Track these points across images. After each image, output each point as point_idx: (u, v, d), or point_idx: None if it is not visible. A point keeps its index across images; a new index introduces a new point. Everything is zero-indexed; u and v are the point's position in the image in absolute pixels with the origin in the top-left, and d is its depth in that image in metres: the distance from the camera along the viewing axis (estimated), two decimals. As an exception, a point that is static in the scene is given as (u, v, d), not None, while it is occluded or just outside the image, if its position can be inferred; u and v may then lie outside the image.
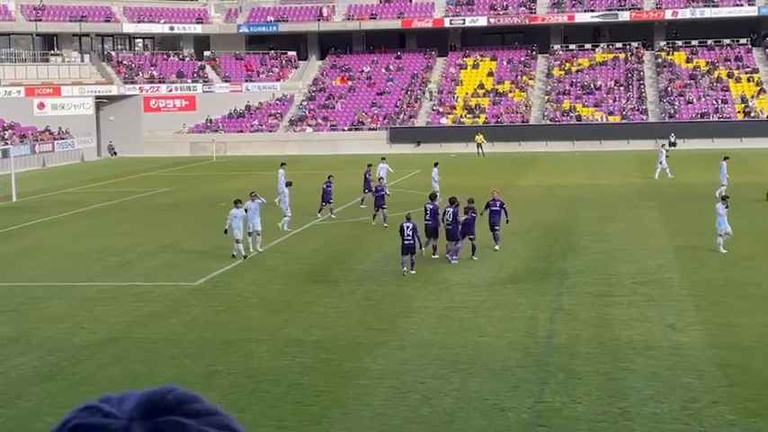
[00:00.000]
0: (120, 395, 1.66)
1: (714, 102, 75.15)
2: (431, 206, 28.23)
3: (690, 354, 17.41)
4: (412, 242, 25.60)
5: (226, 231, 28.60)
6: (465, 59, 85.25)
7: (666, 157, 50.48)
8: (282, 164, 41.87)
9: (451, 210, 27.35)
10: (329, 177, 37.50)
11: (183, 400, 1.65)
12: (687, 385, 15.65)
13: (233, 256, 28.25)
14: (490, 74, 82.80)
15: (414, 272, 25.67)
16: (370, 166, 41.29)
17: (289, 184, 35.10)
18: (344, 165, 64.66)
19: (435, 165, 41.79)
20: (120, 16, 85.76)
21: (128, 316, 21.72)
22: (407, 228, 25.72)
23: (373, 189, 36.39)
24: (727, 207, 27.65)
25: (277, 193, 38.41)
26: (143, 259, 29.43)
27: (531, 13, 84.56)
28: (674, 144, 70.02)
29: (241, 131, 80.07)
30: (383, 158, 43.52)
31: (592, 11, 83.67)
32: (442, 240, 27.76)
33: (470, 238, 27.44)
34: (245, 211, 28.73)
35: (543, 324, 19.93)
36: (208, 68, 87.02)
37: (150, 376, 16.98)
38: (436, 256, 27.79)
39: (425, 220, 27.90)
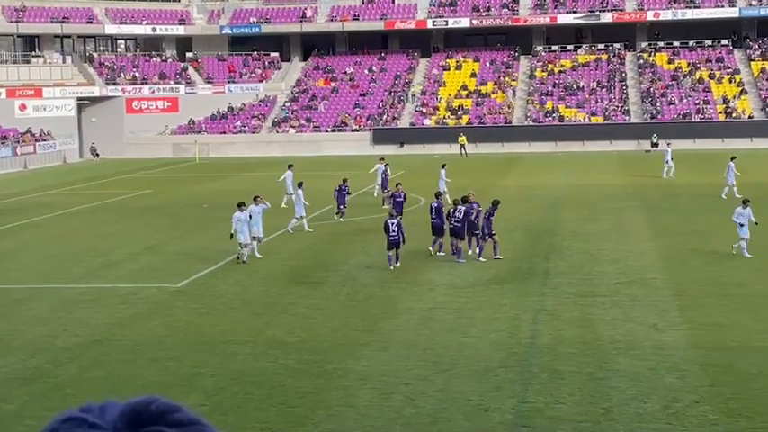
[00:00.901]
0: (101, 404, 1.65)
1: (696, 102, 75.50)
2: (436, 204, 28.61)
3: (672, 353, 17.48)
4: (397, 237, 26.48)
5: (231, 236, 27.74)
6: (448, 61, 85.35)
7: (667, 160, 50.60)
8: (290, 165, 41.82)
9: (463, 208, 27.56)
10: (344, 181, 37.07)
11: (165, 410, 1.65)
12: (670, 385, 15.70)
13: (244, 261, 27.61)
14: (473, 75, 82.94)
15: (398, 264, 26.53)
16: (382, 159, 41.48)
17: (300, 185, 34.48)
18: (328, 166, 64.64)
19: (443, 166, 41.60)
20: (102, 17, 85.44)
21: (110, 318, 21.64)
22: (392, 224, 26.64)
23: (390, 195, 36.07)
24: (746, 209, 27.44)
25: (285, 195, 38.54)
26: (126, 261, 29.33)
27: (514, 14, 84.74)
28: (655, 145, 70.32)
29: (224, 133, 79.91)
30: (381, 159, 43.39)
31: (574, 12, 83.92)
32: (445, 239, 28.23)
33: (491, 236, 27.61)
34: (249, 216, 28.02)
35: (526, 324, 19.96)
36: (190, 70, 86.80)
37: (133, 379, 16.92)
38: (442, 254, 28.02)
39: (431, 218, 28.34)
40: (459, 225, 27.40)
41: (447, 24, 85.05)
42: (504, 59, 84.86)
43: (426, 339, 19.00)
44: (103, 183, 56.32)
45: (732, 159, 41.22)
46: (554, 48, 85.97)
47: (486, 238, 27.60)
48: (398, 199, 33.61)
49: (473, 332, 19.48)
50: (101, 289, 24.93)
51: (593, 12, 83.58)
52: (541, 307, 21.54)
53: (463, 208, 27.50)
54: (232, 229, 27.71)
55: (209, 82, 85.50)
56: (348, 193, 36.74)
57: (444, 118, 77.67)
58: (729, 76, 78.57)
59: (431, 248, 28.20)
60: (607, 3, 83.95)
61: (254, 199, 29.33)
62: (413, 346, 18.53)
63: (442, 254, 28.09)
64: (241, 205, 27.94)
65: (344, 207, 36.22)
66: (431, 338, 19.06)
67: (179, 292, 24.35)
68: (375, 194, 42.58)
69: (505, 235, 31.13)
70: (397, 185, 34.85)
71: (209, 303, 22.92)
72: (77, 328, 20.79)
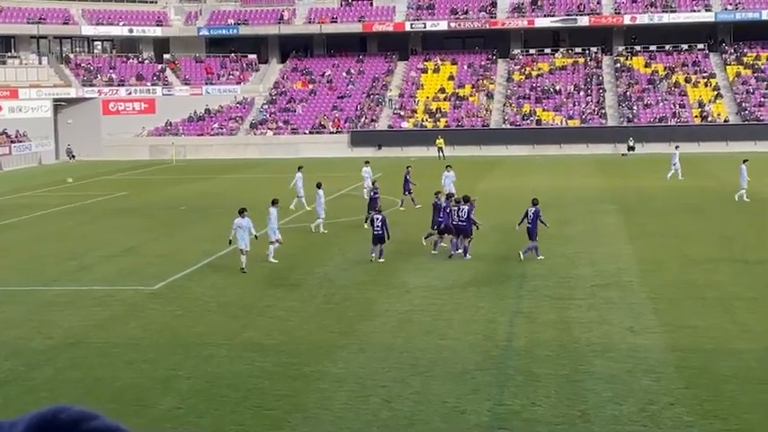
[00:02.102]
0: (12, 420, 1.59)
1: (672, 106, 75.92)
2: (439, 202, 29.55)
3: (648, 356, 17.55)
4: (381, 233, 27.75)
5: (230, 242, 27.21)
6: (426, 63, 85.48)
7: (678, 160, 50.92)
8: (300, 167, 41.97)
9: (466, 207, 28.23)
10: (374, 183, 37.50)
11: (79, 419, 1.58)
12: (645, 387, 15.76)
13: (242, 269, 26.62)
14: (451, 78, 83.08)
15: (382, 260, 27.54)
16: (409, 167, 41.36)
17: (319, 186, 34.37)
18: (306, 168, 64.51)
19: (448, 167, 41.79)
20: (79, 18, 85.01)
21: (86, 320, 21.50)
22: (377, 219, 28.00)
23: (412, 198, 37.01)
24: None
25: (295, 198, 38.88)
26: (102, 263, 29.16)
27: (492, 17, 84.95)
28: (632, 148, 70.67)
29: (201, 135, 79.67)
30: (409, 166, 42.55)
31: (551, 16, 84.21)
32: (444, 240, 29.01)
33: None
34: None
35: (503, 327, 19.99)
36: (167, 71, 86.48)
37: (108, 381, 16.83)
38: (435, 252, 28.73)
39: (439, 217, 29.03)
40: (464, 224, 28.06)
41: (425, 27, 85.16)
42: (482, 62, 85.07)
43: (403, 342, 18.99)
44: (80, 185, 55.99)
45: (744, 162, 40.97)
46: (532, 51, 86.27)
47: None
48: (375, 196, 34.29)
49: (450, 334, 19.48)
50: (76, 291, 24.78)
51: (570, 15, 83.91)
52: (518, 309, 21.58)
53: (466, 207, 28.21)
54: (231, 235, 27.00)
55: (186, 83, 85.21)
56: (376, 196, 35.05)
57: (422, 121, 77.75)
58: (705, 80, 79.08)
59: (434, 251, 28.72)
60: (584, 6, 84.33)
61: (273, 202, 28.99)
62: (390, 348, 18.52)
63: (435, 252, 28.69)
64: (243, 212, 27.13)
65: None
66: (408, 341, 19.05)
67: (155, 295, 24.24)
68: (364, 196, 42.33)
69: (482, 237, 31.20)
70: (373, 183, 36.46)
71: (185, 306, 22.83)
72: (52, 330, 20.65)
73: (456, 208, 28.51)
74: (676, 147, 53.65)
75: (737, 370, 16.55)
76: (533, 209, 27.91)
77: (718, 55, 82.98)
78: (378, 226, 27.82)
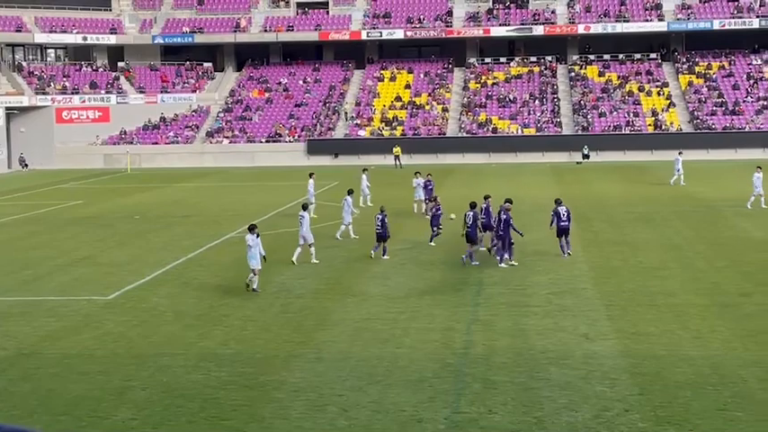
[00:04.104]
0: None
1: (626, 115, 76.72)
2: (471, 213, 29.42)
3: (603, 363, 17.70)
4: (381, 231, 29.33)
5: (265, 258, 25.37)
6: (382, 72, 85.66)
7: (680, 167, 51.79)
8: (311, 174, 42.07)
9: (471, 213, 28.57)
10: (428, 175, 38.78)
11: None
12: (600, 394, 15.90)
13: (253, 289, 24.84)
14: (407, 86, 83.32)
15: (387, 257, 29.25)
16: (429, 175, 41.12)
17: (350, 192, 34.45)
18: (262, 177, 64.41)
19: (416, 174, 41.88)
20: (32, 26, 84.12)
21: (39, 331, 21.26)
22: (378, 218, 29.50)
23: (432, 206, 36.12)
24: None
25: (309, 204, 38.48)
26: (56, 273, 28.86)
27: (448, 26, 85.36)
28: (587, 156, 71.30)
29: (156, 143, 79.15)
30: (417, 173, 41.98)
31: (507, 25, 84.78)
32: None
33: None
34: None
35: (460, 335, 20.06)
36: (122, 79, 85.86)
37: (62, 392, 16.65)
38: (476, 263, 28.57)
39: (467, 227, 28.62)
40: (470, 230, 28.38)
41: (381, 36, 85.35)
42: (438, 71, 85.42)
43: (360, 350, 19.00)
44: (33, 194, 55.37)
45: (758, 169, 40.88)
46: (487, 60, 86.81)
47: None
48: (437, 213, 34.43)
49: (407, 343, 19.52)
50: (29, 301, 24.49)
51: (525, 25, 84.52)
52: (475, 317, 21.67)
53: (471, 213, 28.57)
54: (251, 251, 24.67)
55: (141, 92, 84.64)
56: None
57: (379, 129, 77.86)
58: (658, 88, 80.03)
59: (463, 257, 28.48)
60: (539, 16, 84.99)
61: (304, 207, 28.45)
62: (347, 357, 18.52)
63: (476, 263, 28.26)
64: (253, 228, 25.06)
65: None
66: (365, 349, 19.06)
67: (110, 305, 24.03)
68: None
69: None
70: (435, 198, 35.37)
71: (140, 316, 22.65)
72: (5, 341, 20.39)
73: (464, 215, 28.83)
74: (680, 152, 54.37)
75: (690, 376, 16.75)
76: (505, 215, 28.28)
77: (670, 64, 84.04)
78: (378, 225, 29.34)
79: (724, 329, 20.00)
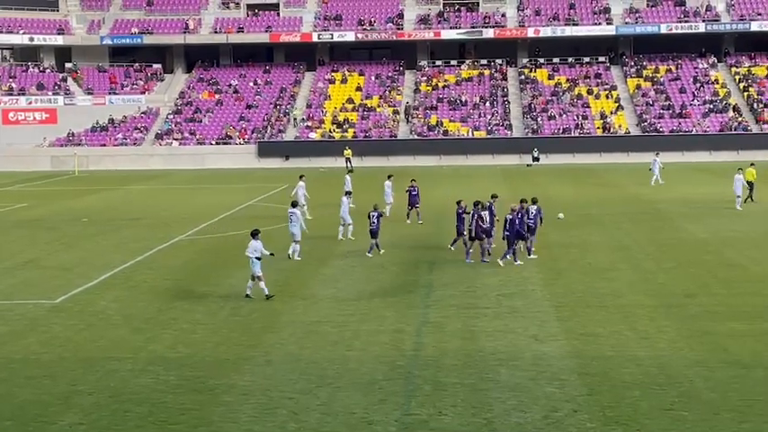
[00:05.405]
0: None
1: (575, 118, 77.39)
2: (510, 217, 28.91)
3: (552, 364, 17.82)
4: (375, 228, 30.29)
5: (272, 254, 24.87)
6: (333, 74, 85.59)
7: (661, 168, 53.20)
8: (301, 176, 41.78)
9: (472, 211, 29.05)
10: (412, 181, 38.68)
11: None
12: (549, 395, 16.00)
13: (267, 295, 23.95)
14: (358, 89, 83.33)
15: (381, 251, 30.28)
16: (413, 180, 40.08)
17: (348, 194, 34.87)
18: (212, 180, 64.02)
19: (389, 177, 41.60)
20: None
21: (-17, 336, 20.91)
22: (373, 216, 30.32)
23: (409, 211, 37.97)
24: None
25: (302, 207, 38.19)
26: (1, 276, 28.41)
27: (399, 28, 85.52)
28: (537, 159, 71.81)
29: (104, 145, 78.32)
30: (390, 176, 41.90)
31: (457, 28, 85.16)
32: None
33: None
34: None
35: (410, 337, 20.08)
36: (69, 81, 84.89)
37: (7, 398, 16.40)
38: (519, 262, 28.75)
39: (505, 231, 28.40)
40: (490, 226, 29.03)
41: (332, 38, 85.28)
42: (390, 73, 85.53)
43: (310, 353, 18.94)
44: (-22, 196, 54.51)
45: (739, 171, 41.70)
46: (438, 62, 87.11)
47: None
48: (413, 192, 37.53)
49: (357, 345, 19.49)
50: (-27, 306, 24.08)
51: (475, 28, 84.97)
52: (425, 319, 21.70)
53: (472, 211, 29.02)
54: (254, 255, 23.87)
55: (89, 93, 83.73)
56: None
57: (330, 131, 77.76)
58: (607, 92, 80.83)
59: (502, 259, 28.35)
60: (490, 19, 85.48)
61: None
62: (297, 359, 18.45)
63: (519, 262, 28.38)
64: (256, 234, 24.16)
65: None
66: (315, 352, 19.01)
67: (57, 308, 23.71)
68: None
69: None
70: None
71: (87, 319, 22.39)
72: (-52, 346, 20.03)
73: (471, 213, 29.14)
74: (656, 154, 55.97)
75: (638, 376, 16.92)
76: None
77: (619, 67, 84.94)
78: (373, 222, 30.27)
79: (670, 330, 20.24)
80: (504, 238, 28.55)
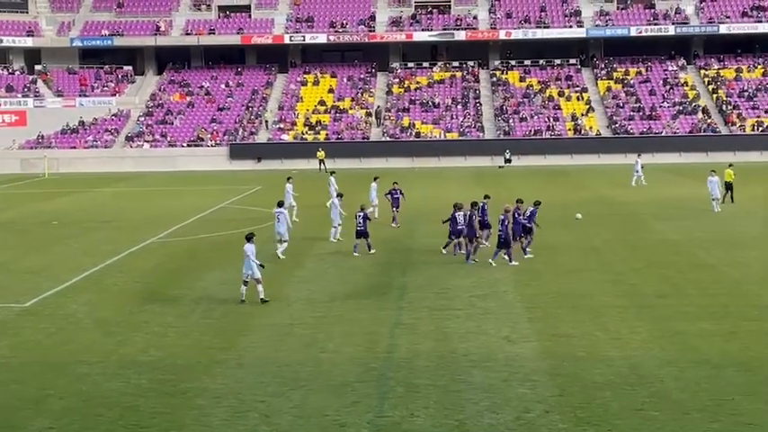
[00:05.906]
0: None
1: (546, 119, 77.71)
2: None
3: (524, 365, 17.87)
4: (362, 228, 30.64)
5: (263, 266, 24.52)
6: (305, 76, 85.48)
7: (642, 167, 53.80)
8: (289, 178, 41.71)
9: (470, 212, 29.44)
10: (394, 184, 38.71)
11: None
12: (521, 396, 16.05)
13: (261, 299, 23.71)
14: (330, 90, 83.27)
15: (373, 251, 30.72)
16: (396, 183, 39.48)
17: (340, 196, 34.76)
18: (184, 182, 63.76)
19: (375, 179, 41.60)
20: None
21: (-48, 340, 20.71)
22: (359, 216, 30.75)
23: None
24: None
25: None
26: (-31, 281, 28.16)
27: (371, 30, 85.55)
28: (509, 161, 72.05)
29: (74, 148, 77.80)
30: (376, 178, 41.97)
31: (429, 30, 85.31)
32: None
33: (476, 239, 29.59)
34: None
35: (383, 339, 20.08)
36: (39, 83, 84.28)
37: (-24, 403, 16.24)
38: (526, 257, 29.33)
39: (498, 230, 28.63)
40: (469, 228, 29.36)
41: (304, 40, 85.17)
42: (362, 75, 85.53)
43: (283, 356, 18.89)
44: (-54, 199, 53.98)
45: (712, 173, 41.88)
46: (410, 64, 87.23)
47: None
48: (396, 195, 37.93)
49: (330, 347, 19.47)
50: (-58, 310, 23.85)
51: (447, 30, 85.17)
52: (398, 321, 21.71)
53: (470, 212, 29.39)
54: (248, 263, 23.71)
55: (59, 95, 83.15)
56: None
57: (302, 133, 77.66)
58: (578, 94, 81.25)
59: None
60: (461, 21, 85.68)
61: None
62: (269, 362, 18.40)
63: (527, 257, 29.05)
64: (250, 237, 24.02)
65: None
66: (287, 355, 18.96)
67: (26, 312, 23.53)
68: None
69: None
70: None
71: (58, 323, 22.22)
72: None
73: (470, 214, 29.37)
74: (639, 155, 56.73)
75: (609, 377, 17.00)
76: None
77: (589, 70, 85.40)
78: (360, 223, 30.58)
79: (642, 330, 20.36)
80: (499, 239, 28.73)
